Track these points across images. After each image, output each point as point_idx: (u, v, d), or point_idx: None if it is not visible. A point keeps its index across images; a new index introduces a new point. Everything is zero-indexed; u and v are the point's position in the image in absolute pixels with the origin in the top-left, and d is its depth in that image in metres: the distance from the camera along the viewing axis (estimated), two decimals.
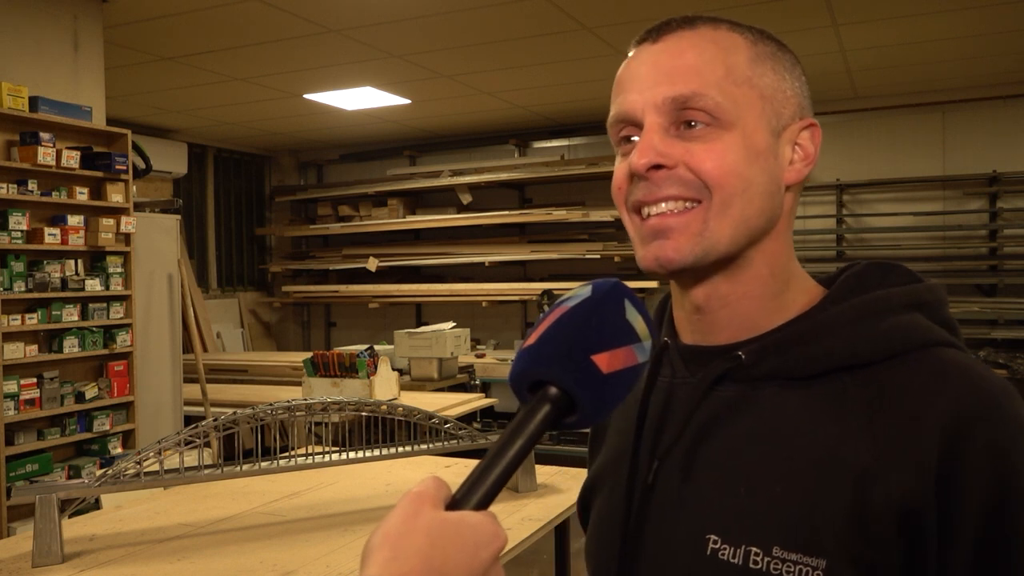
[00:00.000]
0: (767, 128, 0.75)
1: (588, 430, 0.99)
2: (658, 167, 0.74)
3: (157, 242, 4.68)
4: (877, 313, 0.74)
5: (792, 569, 0.68)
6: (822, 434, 0.71)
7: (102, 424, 4.07)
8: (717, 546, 0.72)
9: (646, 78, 0.76)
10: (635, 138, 0.77)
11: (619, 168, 0.79)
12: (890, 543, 0.66)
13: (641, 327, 0.63)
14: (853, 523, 0.67)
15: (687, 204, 0.74)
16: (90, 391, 4.03)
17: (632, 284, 6.73)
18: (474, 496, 0.56)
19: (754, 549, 0.70)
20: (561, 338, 0.61)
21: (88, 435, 4.03)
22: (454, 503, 0.56)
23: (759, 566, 0.69)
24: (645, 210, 0.76)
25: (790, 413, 0.73)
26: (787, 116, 0.77)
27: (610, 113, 0.79)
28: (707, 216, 0.74)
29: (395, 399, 4.35)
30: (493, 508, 0.57)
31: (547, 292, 6.05)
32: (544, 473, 2.62)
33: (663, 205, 0.75)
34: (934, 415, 0.67)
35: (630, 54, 0.80)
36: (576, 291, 0.65)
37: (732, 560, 0.71)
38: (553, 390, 0.59)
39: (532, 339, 0.62)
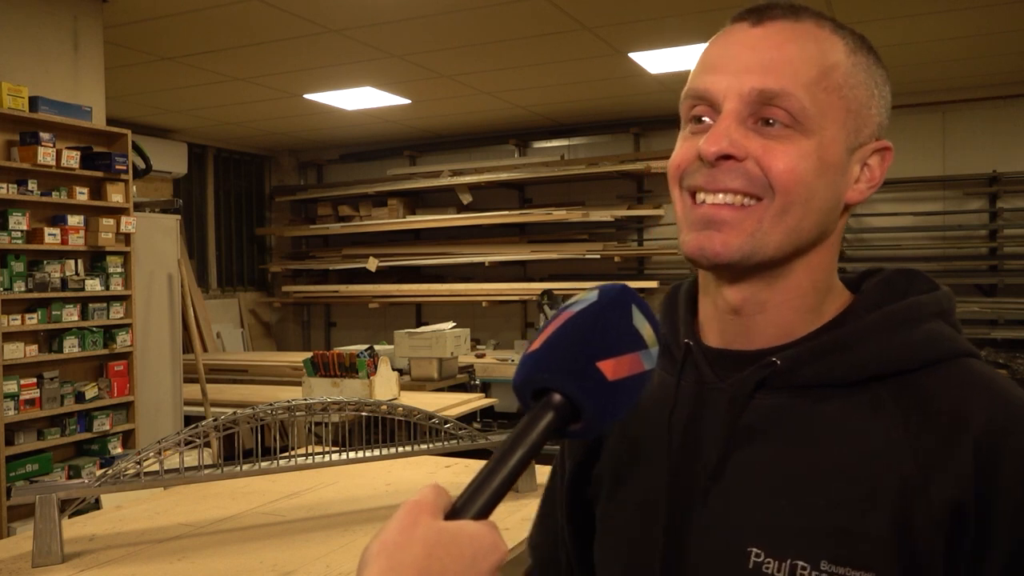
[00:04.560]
0: (844, 143, 0.73)
1: None
2: (727, 157, 0.71)
3: (157, 242, 4.68)
4: (909, 321, 0.73)
5: None
6: (863, 445, 0.69)
7: (102, 424, 4.07)
8: (760, 559, 0.70)
9: (737, 60, 0.72)
10: (707, 119, 0.74)
11: (684, 147, 0.75)
12: (934, 554, 0.65)
13: (648, 333, 0.62)
14: (898, 534, 0.66)
15: (746, 200, 0.72)
16: (90, 391, 4.03)
17: (631, 284, 6.72)
18: (474, 505, 0.55)
19: (800, 563, 0.68)
20: (566, 344, 0.60)
21: (88, 435, 4.03)
22: (454, 512, 0.55)
23: None
24: (701, 196, 0.73)
25: (830, 423, 0.71)
26: (865, 135, 0.75)
27: (687, 85, 0.76)
28: (763, 216, 0.71)
29: (395, 399, 4.35)
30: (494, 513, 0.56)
31: (547, 292, 6.05)
32: (544, 473, 2.61)
33: (721, 196, 0.72)
34: (972, 427, 0.67)
35: (723, 31, 0.76)
36: (582, 295, 0.63)
37: (777, 574, 0.69)
38: (557, 397, 0.58)
39: (536, 344, 0.61)
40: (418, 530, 0.52)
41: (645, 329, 0.62)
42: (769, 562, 0.69)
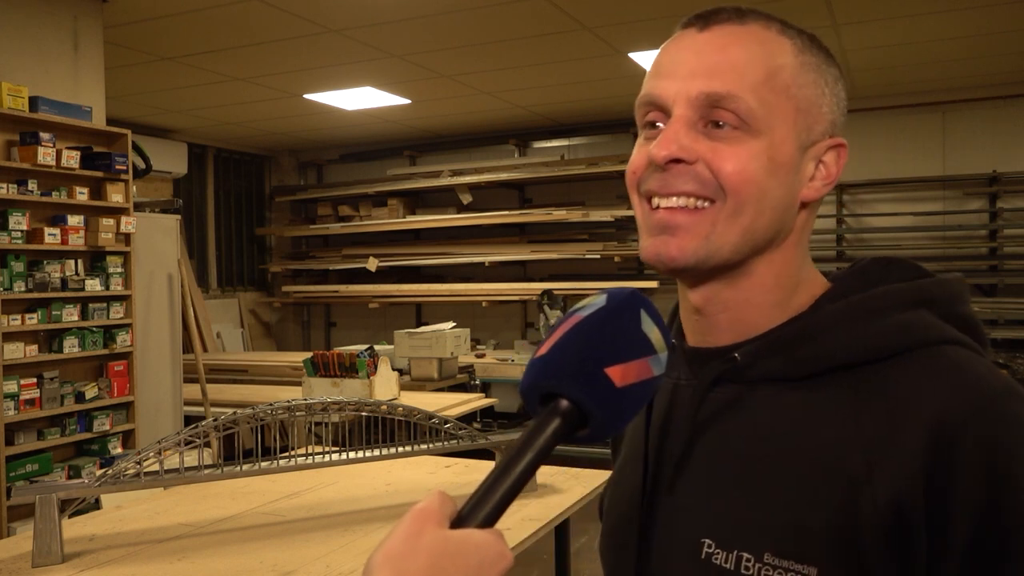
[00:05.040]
0: (795, 142, 0.73)
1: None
2: (677, 160, 0.72)
3: (157, 242, 4.68)
4: (876, 311, 0.71)
5: None
6: (815, 437, 0.69)
7: (102, 424, 4.07)
8: (711, 550, 0.71)
9: (684, 66, 0.73)
10: (660, 124, 0.75)
11: (638, 152, 0.76)
12: (881, 551, 0.63)
13: (657, 338, 0.61)
14: (844, 530, 0.65)
15: (699, 202, 0.72)
16: (90, 391, 4.03)
17: (631, 284, 6.73)
18: (480, 513, 0.54)
19: (746, 555, 0.68)
20: (573, 349, 0.59)
21: (88, 435, 4.03)
22: (459, 520, 0.54)
23: (751, 572, 0.68)
24: (655, 201, 0.74)
25: (785, 415, 0.71)
26: (818, 132, 0.75)
27: (641, 92, 0.77)
28: (717, 219, 0.72)
29: (395, 399, 4.35)
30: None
31: (547, 292, 6.05)
32: (544, 473, 2.61)
33: (675, 200, 0.73)
34: (922, 416, 0.64)
35: (673, 36, 0.77)
36: (591, 300, 0.63)
37: (724, 565, 0.69)
38: (564, 403, 0.58)
39: (544, 349, 0.61)
40: (423, 539, 0.52)
41: (654, 334, 0.62)
42: (718, 553, 0.70)
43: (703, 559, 0.71)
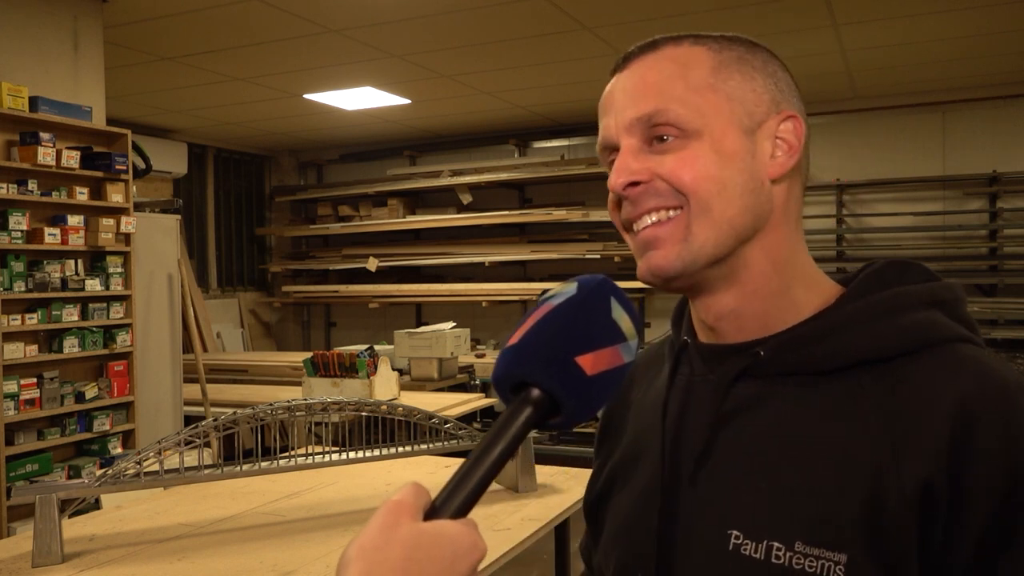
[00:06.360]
0: (738, 128, 0.76)
1: (595, 431, 0.99)
2: (634, 184, 0.76)
3: (157, 242, 4.68)
4: (895, 309, 0.74)
5: (815, 564, 0.67)
6: (839, 429, 0.71)
7: (102, 424, 4.07)
8: (739, 541, 0.72)
9: (616, 103, 0.79)
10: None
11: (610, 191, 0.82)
12: (906, 535, 0.66)
13: (627, 325, 0.62)
14: (871, 516, 0.67)
15: (669, 212, 0.76)
16: (90, 391, 4.03)
17: (633, 284, 6.73)
18: (453, 503, 0.55)
19: (776, 544, 0.70)
20: (544, 338, 0.60)
21: (88, 435, 4.03)
22: (433, 510, 0.55)
23: (781, 561, 0.69)
24: (634, 226, 0.78)
25: (808, 409, 0.74)
26: (761, 113, 0.77)
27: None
28: (688, 222, 0.75)
29: (395, 399, 4.35)
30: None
31: (546, 292, 6.05)
32: (544, 473, 2.61)
33: (646, 218, 0.77)
34: (944, 404, 0.67)
35: (607, 86, 0.84)
36: (561, 288, 0.64)
37: (754, 555, 0.70)
38: (535, 392, 0.58)
39: (515, 338, 0.61)
40: (397, 532, 0.53)
41: (624, 321, 0.62)
42: (747, 544, 0.71)
43: (731, 550, 0.72)
